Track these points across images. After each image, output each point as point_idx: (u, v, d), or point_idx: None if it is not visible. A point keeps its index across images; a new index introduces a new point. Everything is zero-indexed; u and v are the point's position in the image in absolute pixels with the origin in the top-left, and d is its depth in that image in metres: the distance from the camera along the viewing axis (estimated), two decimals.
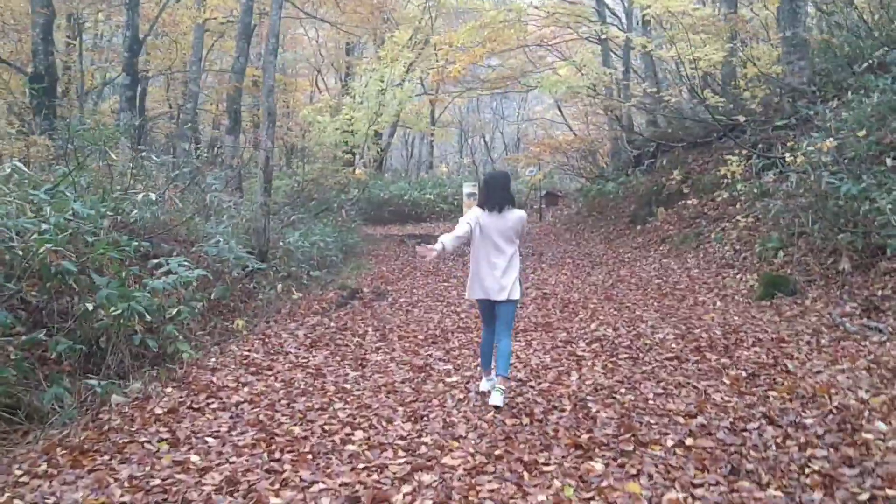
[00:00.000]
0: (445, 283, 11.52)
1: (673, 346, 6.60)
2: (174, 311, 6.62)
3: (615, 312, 8.52)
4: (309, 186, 17.98)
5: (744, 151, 12.14)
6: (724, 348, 6.43)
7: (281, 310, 8.70)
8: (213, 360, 6.20)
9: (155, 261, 7.38)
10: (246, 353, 6.48)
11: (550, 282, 11.74)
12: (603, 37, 20.47)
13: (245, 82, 26.48)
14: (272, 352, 6.56)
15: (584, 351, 6.50)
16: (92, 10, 16.51)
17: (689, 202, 15.20)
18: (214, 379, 5.58)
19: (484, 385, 5.30)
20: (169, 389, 5.33)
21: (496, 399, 4.83)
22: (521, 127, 38.11)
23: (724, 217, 13.43)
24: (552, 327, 7.64)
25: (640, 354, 6.33)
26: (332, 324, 7.87)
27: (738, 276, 10.37)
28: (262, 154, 10.63)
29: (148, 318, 6.35)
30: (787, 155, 9.29)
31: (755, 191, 12.35)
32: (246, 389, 5.38)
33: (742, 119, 14.05)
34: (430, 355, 6.40)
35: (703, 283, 10.54)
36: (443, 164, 42.11)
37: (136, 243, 7.60)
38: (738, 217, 12.15)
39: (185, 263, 7.25)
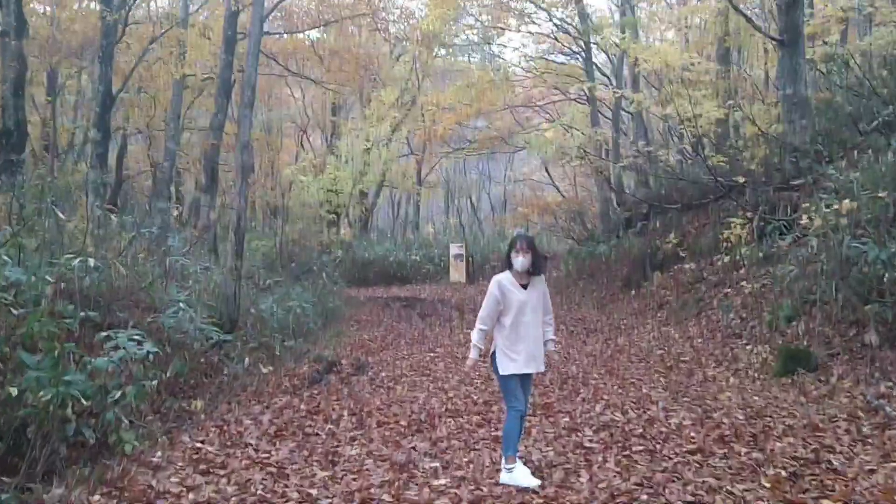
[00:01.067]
0: (432, 354, 10.63)
1: (692, 434, 5.74)
2: (118, 393, 5.70)
3: (620, 390, 7.67)
4: (289, 248, 17.18)
5: (748, 213, 11.52)
6: (752, 438, 5.58)
7: (247, 387, 7.78)
8: (159, 453, 5.26)
9: (104, 333, 6.49)
10: (199, 444, 5.54)
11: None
12: (592, 95, 20.16)
13: (227, 140, 26.04)
14: (229, 443, 5.63)
15: (591, 441, 5.62)
16: (67, 64, 15.92)
17: (687, 266, 14.54)
18: (155, 482, 4.65)
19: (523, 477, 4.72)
20: (97, 497, 4.39)
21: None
22: (508, 188, 37.79)
23: (726, 282, 12.73)
24: (553, 409, 6.77)
25: (657, 446, 5.46)
26: (303, 406, 6.95)
27: (749, 348, 9.58)
28: (234, 214, 9.86)
29: (85, 402, 5.45)
30: (805, 217, 8.61)
31: (760, 255, 11.69)
32: (191, 496, 4.45)
33: (741, 180, 13.51)
34: (414, 448, 5.49)
35: (709, 355, 9.73)
36: (429, 224, 41.61)
37: (83, 314, 6.74)
38: (744, 283, 11.45)
39: (137, 337, 6.37)
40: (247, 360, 8.48)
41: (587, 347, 11.29)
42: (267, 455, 5.28)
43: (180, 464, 5.05)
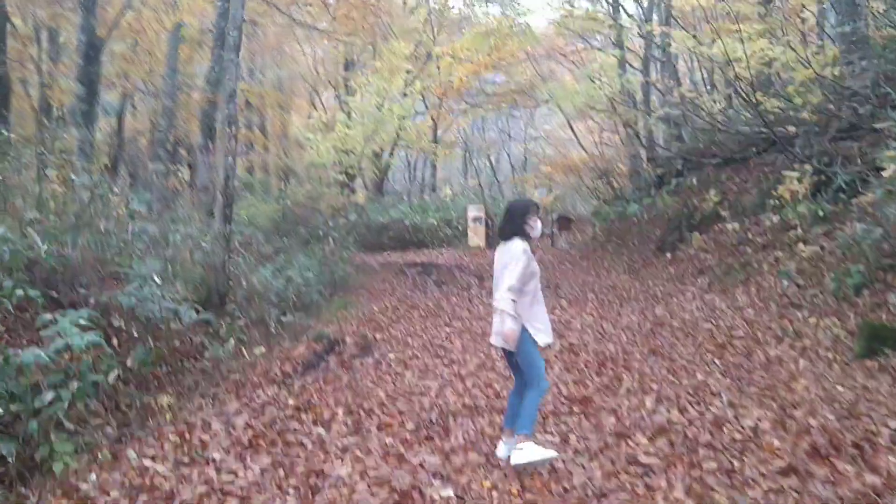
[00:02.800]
0: (448, 329, 9.44)
1: (775, 443, 4.50)
2: (49, 395, 4.57)
3: (670, 377, 6.43)
4: (295, 212, 15.99)
5: (806, 165, 10.08)
6: (856, 449, 4.33)
7: (230, 376, 6.64)
8: (94, 476, 4.12)
9: (49, 317, 5.34)
10: (148, 461, 4.39)
11: (575, 325, 9.66)
12: (620, 40, 18.49)
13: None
14: (187, 458, 4.47)
15: (648, 454, 4.41)
16: (49, 12, 14.65)
17: (729, 227, 13.14)
18: None
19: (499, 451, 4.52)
20: None
21: (501, 450, 4.47)
22: (529, 146, 36.18)
23: (776, 245, 11.37)
24: (592, 406, 5.55)
25: (734, 461, 4.24)
26: (291, 401, 5.79)
27: (813, 321, 8.26)
28: (220, 172, 8.66)
29: (1, 410, 4.34)
30: (891, 167, 7.23)
31: (819, 213, 10.30)
32: None
33: (792, 129, 12.05)
34: (422, 464, 4.31)
35: (766, 329, 8.43)
36: (447, 186, 40.20)
37: (23, 291, 5.60)
38: (800, 245, 10.08)
39: (83, 321, 5.22)
40: (232, 341, 7.32)
41: (622, 320, 10.03)
42: (231, 478, 4.11)
43: (116, 491, 3.90)
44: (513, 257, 4.44)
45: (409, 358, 7.46)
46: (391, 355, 7.52)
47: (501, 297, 4.30)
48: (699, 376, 6.40)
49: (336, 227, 15.31)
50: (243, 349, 7.37)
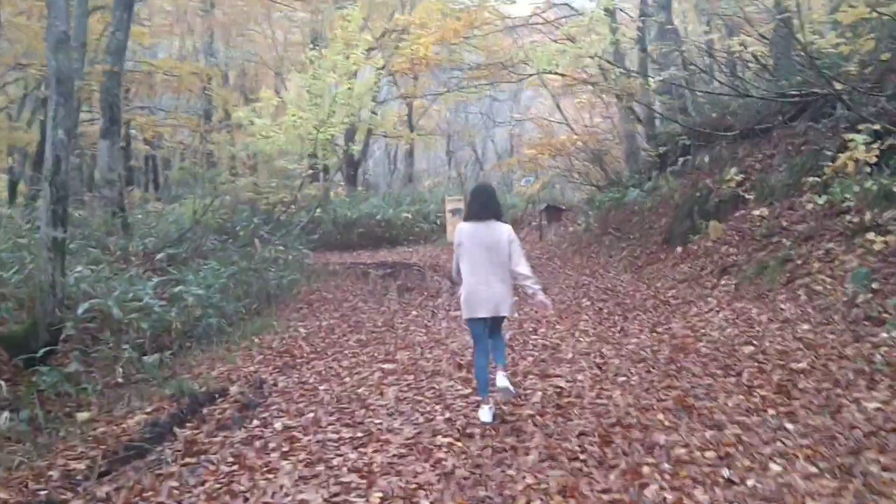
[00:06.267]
0: (387, 366, 6.76)
1: None
2: None
3: (722, 468, 3.79)
4: (233, 210, 13.30)
5: (875, 128, 7.43)
6: None
7: None
8: None
9: None
10: None
11: (565, 353, 7.03)
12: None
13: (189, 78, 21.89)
14: None
15: None
16: None
17: (756, 213, 10.53)
18: None
19: (484, 415, 4.84)
20: None
21: (503, 381, 4.75)
22: (514, 131, 33.44)
23: (824, 233, 8.76)
24: None
25: None
26: None
27: None
28: (47, 152, 5.99)
29: None
30: None
31: (889, 190, 7.69)
32: None
33: (839, 87, 9.43)
34: None
35: (839, 358, 5.82)
36: (428, 177, 37.50)
37: None
38: (869, 235, 7.46)
39: None
40: (28, 410, 4.64)
41: (628, 341, 7.42)
42: None
43: None
44: (511, 237, 4.94)
45: (304, 427, 4.78)
46: (278, 423, 4.84)
47: (528, 273, 4.90)
48: (774, 466, 3.76)
49: (257, 226, 12.57)
50: (61, 416, 4.69)
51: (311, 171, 20.82)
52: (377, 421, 4.83)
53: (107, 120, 11.63)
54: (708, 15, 13.60)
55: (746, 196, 11.11)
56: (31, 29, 14.15)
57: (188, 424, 4.91)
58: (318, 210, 18.02)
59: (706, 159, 13.41)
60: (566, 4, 20.27)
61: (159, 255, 8.84)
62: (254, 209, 14.54)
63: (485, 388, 4.91)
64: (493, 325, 4.98)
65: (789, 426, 4.41)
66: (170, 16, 26.12)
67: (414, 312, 10.22)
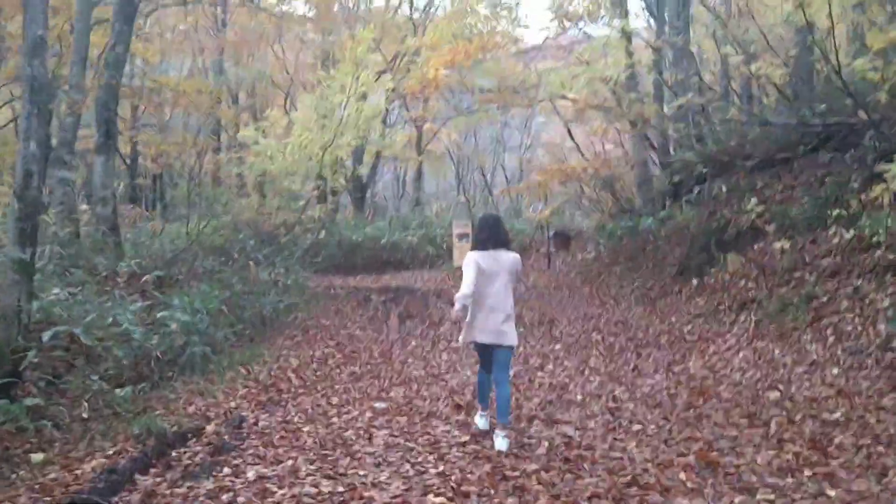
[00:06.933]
0: (378, 405, 6.23)
1: None
2: None
3: None
4: (217, 233, 12.87)
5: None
6: None
7: None
8: None
9: None
10: None
11: (574, 394, 6.49)
12: (626, 32, 15.40)
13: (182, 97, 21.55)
14: None
15: None
16: None
17: (777, 245, 9.97)
18: None
19: (480, 422, 5.22)
20: None
21: (502, 444, 4.72)
22: (525, 157, 33.01)
23: (852, 269, 8.22)
24: None
25: None
26: None
27: None
28: (17, 165, 5.56)
29: None
30: None
31: None
32: None
33: (864, 116, 8.94)
34: None
35: (876, 409, 5.27)
36: (436, 201, 37.07)
37: None
38: None
39: None
40: None
41: (643, 382, 6.87)
42: None
43: None
44: (516, 266, 5.19)
45: (280, 477, 4.25)
46: (251, 472, 4.31)
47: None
48: None
49: (252, 248, 12.11)
50: (20, 454, 4.20)
51: (316, 193, 20.53)
52: (362, 472, 4.30)
53: (102, 135, 11.26)
54: (728, 41, 13.13)
55: (766, 228, 10.58)
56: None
57: (153, 470, 4.39)
58: (323, 232, 17.53)
59: (723, 189, 12.90)
60: (581, 30, 19.98)
61: (145, 277, 8.37)
62: (257, 230, 14.10)
63: (484, 399, 5.24)
64: (498, 359, 4.99)
65: (831, 493, 3.87)
66: (181, 34, 26.02)
67: (413, 343, 9.72)
